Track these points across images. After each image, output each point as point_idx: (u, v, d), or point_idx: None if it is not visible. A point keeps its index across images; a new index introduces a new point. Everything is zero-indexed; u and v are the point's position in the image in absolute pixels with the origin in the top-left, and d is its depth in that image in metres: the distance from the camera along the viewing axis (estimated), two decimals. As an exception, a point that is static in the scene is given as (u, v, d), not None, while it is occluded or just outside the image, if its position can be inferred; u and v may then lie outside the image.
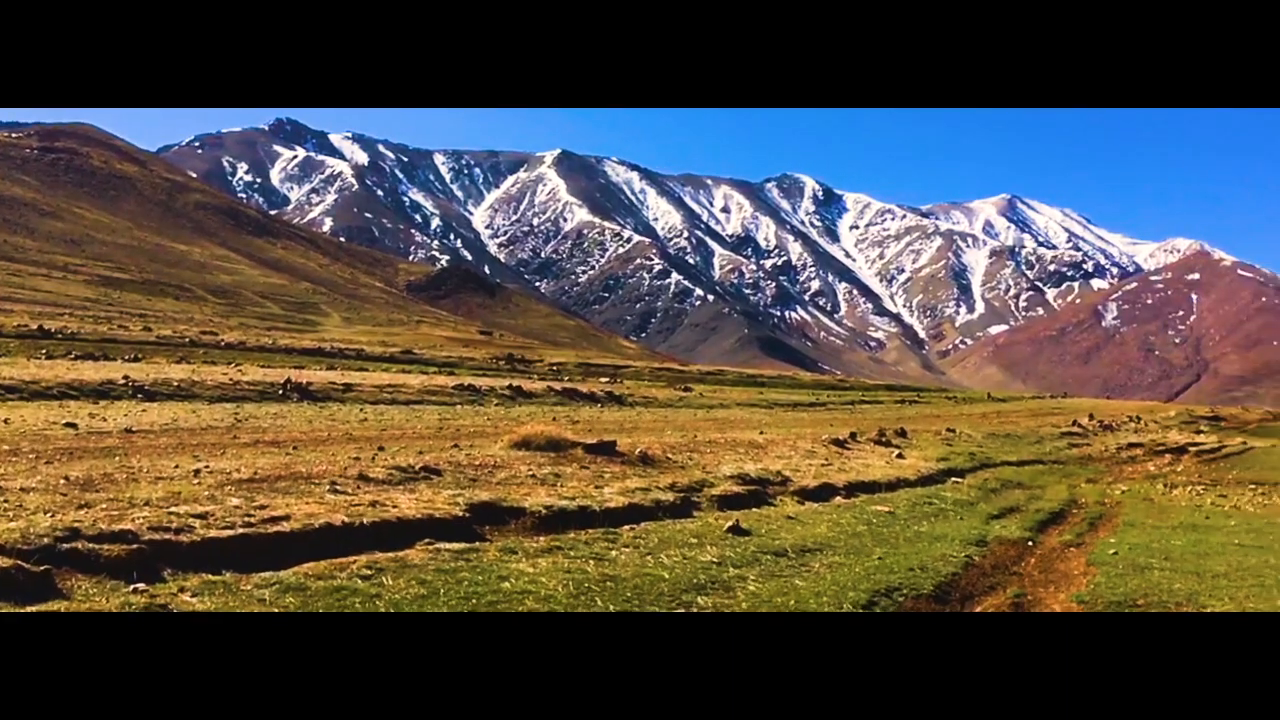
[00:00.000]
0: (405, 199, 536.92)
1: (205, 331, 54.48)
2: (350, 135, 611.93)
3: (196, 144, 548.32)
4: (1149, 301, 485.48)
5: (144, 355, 36.06)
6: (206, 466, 10.75)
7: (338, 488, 9.95)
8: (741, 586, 8.00)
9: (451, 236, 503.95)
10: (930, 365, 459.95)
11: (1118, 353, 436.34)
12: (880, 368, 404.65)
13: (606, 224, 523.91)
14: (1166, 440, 32.68)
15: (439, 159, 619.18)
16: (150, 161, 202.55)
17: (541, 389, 34.58)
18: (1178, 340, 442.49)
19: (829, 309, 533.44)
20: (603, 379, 50.78)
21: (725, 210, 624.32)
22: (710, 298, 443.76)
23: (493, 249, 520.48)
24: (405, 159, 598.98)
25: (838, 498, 13.73)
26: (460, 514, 9.30)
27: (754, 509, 12.08)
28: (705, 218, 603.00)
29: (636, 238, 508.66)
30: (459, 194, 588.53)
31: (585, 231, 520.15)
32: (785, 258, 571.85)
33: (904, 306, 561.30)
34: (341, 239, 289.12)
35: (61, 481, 9.13)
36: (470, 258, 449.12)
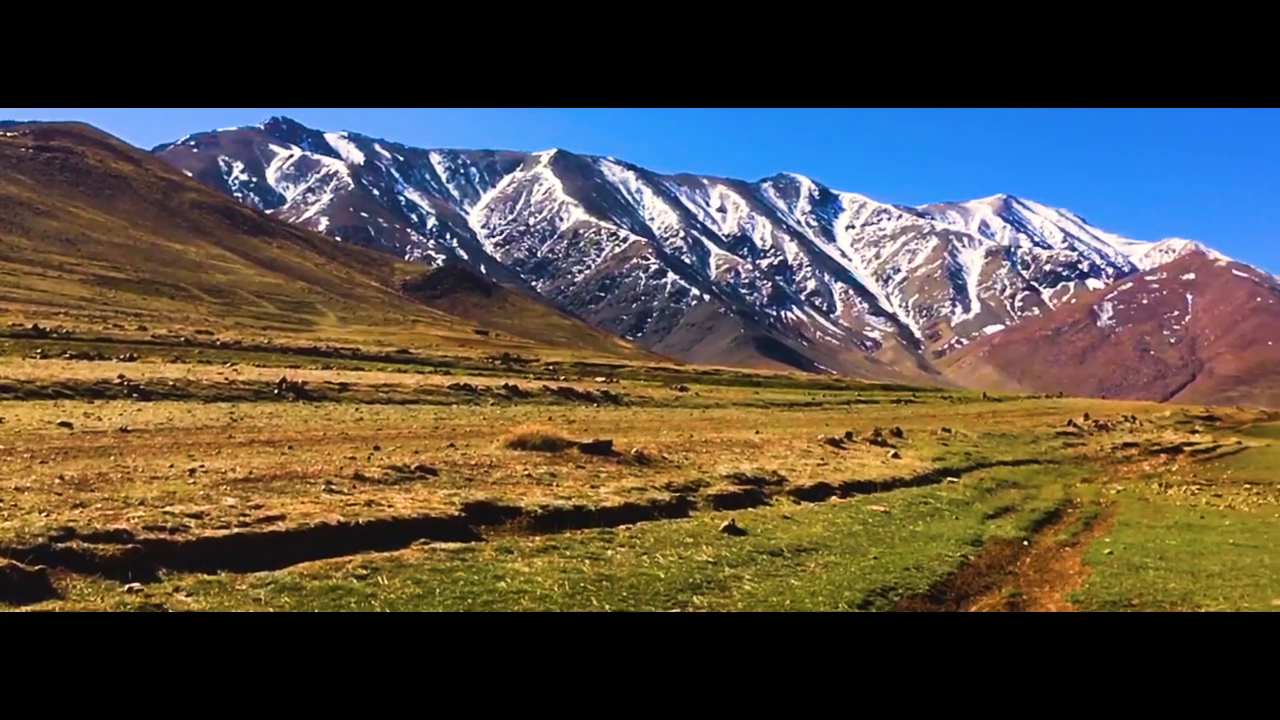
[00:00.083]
0: (401, 198, 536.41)
1: (201, 331, 54.41)
2: (346, 134, 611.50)
3: (192, 143, 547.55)
4: (1144, 301, 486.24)
5: (139, 355, 35.99)
6: (202, 466, 10.73)
7: (333, 487, 9.94)
8: (737, 586, 8.01)
9: (447, 236, 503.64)
10: (926, 365, 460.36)
11: (1113, 353, 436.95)
12: (876, 367, 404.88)
13: (603, 224, 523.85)
14: (1162, 440, 32.74)
15: (435, 158, 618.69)
16: (146, 160, 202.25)
17: (537, 389, 34.57)
18: (1173, 340, 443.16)
19: (825, 309, 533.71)
20: (599, 378, 50.77)
21: (721, 210, 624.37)
22: (706, 297, 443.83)
23: (489, 248, 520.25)
24: (401, 158, 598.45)
25: (833, 497, 13.75)
26: (456, 514, 9.30)
27: (750, 509, 12.08)
28: (701, 217, 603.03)
29: (633, 237, 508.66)
30: (455, 193, 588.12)
31: (581, 231, 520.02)
32: (781, 257, 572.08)
33: (900, 306, 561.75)
34: (337, 238, 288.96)
35: (56, 481, 9.12)
36: (466, 257, 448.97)
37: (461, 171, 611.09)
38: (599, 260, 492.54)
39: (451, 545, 8.28)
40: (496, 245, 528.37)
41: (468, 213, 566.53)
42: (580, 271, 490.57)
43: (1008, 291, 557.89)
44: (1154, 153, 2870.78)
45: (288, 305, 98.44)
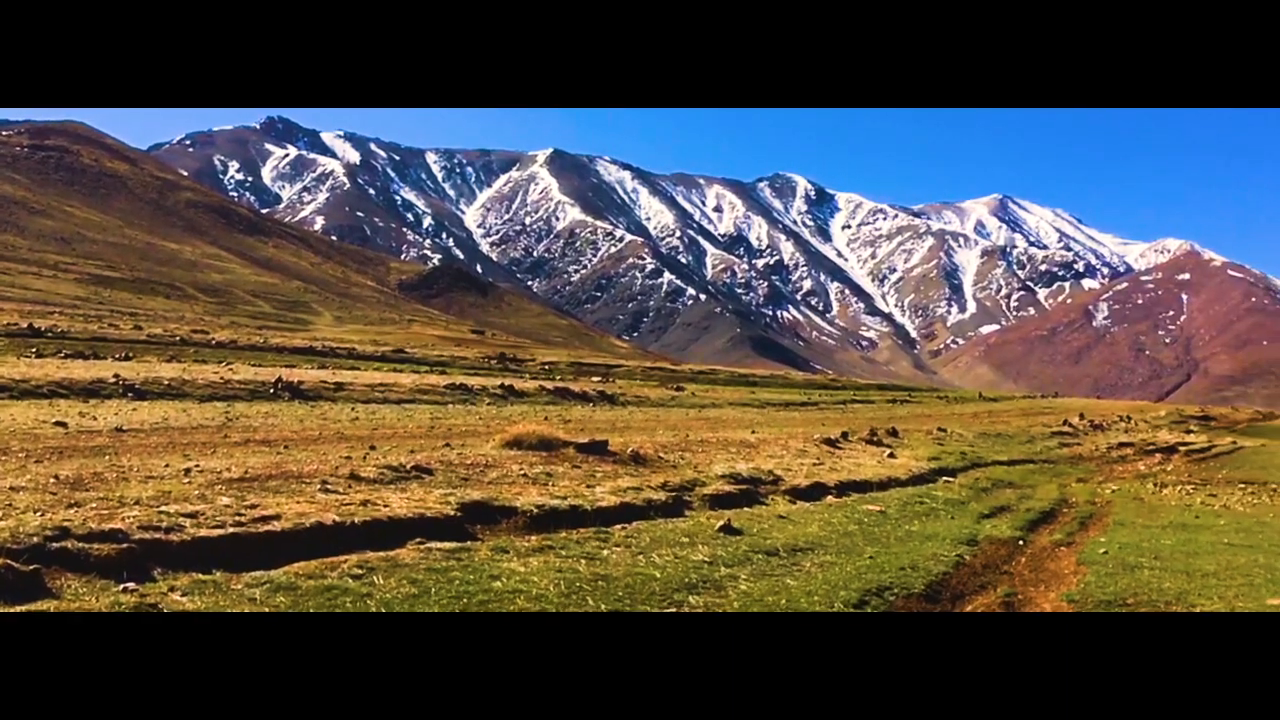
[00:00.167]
0: (397, 198, 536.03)
1: (196, 330, 54.34)
2: (342, 134, 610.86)
3: (188, 142, 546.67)
4: (1139, 301, 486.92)
5: (134, 354, 35.94)
6: (197, 465, 10.72)
7: (329, 487, 9.93)
8: (733, 585, 8.01)
9: (443, 235, 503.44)
10: (922, 365, 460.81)
11: (1108, 352, 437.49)
12: (872, 367, 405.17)
13: (599, 223, 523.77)
14: (1157, 440, 32.78)
15: (431, 158, 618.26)
16: (141, 160, 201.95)
17: (533, 388, 34.55)
18: (1168, 340, 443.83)
19: (821, 308, 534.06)
20: (595, 378, 50.76)
21: (718, 210, 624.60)
22: (702, 297, 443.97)
23: (485, 248, 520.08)
24: (397, 158, 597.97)
25: (829, 497, 13.75)
26: (452, 513, 9.29)
27: (746, 508, 12.09)
28: (697, 217, 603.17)
29: (629, 237, 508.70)
30: (451, 193, 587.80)
31: (577, 231, 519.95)
32: (777, 257, 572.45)
33: (896, 306, 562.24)
34: (333, 238, 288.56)
35: (51, 480, 9.10)
36: (462, 257, 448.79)
37: (458, 171, 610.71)
38: (595, 260, 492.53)
39: (447, 545, 8.28)
40: (492, 245, 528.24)
41: (464, 212, 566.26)
42: (576, 271, 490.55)
43: (1003, 291, 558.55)
44: (1150, 153, 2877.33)
45: (283, 305, 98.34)
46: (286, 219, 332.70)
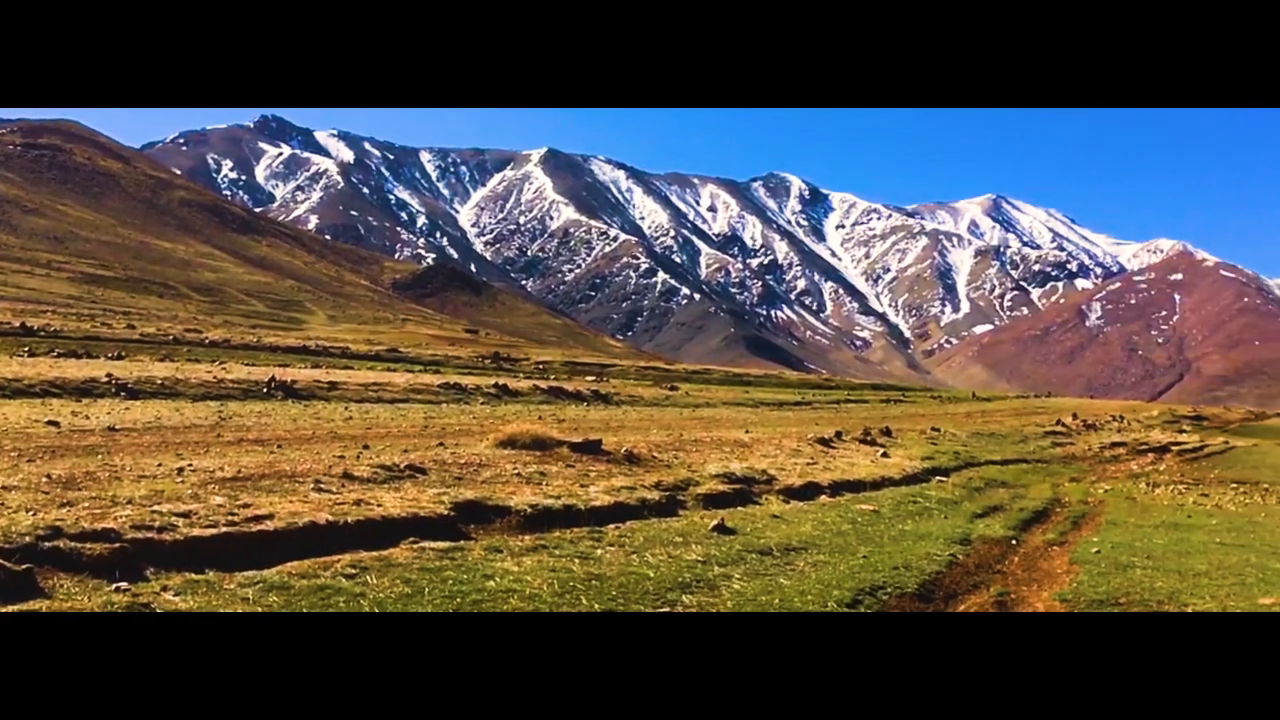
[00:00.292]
0: (391, 197, 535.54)
1: (189, 329, 54.24)
2: (336, 133, 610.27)
3: (181, 141, 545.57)
4: (1132, 301, 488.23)
5: (127, 353, 35.86)
6: (190, 465, 10.70)
7: (322, 486, 9.92)
8: (726, 585, 8.01)
9: (438, 235, 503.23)
10: (915, 364, 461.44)
11: (1101, 352, 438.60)
12: (866, 367, 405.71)
13: (593, 223, 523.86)
14: (1149, 439, 32.86)
15: (425, 157, 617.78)
16: (134, 158, 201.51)
17: (527, 388, 34.54)
18: (1161, 340, 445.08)
19: (815, 308, 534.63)
20: (589, 377, 50.77)
21: (712, 209, 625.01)
22: (696, 297, 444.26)
23: (479, 247, 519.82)
24: (391, 157, 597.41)
25: (823, 496, 13.76)
26: (445, 513, 9.28)
27: (739, 508, 12.10)
28: (692, 217, 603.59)
29: (623, 236, 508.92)
30: (445, 192, 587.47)
31: (572, 230, 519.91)
32: (771, 257, 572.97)
33: (889, 306, 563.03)
34: (327, 237, 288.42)
35: (44, 480, 9.08)
36: (456, 256, 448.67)
37: (452, 170, 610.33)
38: (589, 259, 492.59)
39: (440, 544, 8.27)
40: (487, 244, 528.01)
41: (458, 211, 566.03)
42: (570, 270, 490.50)
43: (997, 291, 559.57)
44: (1143, 153, 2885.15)
45: (277, 304, 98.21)
46: (280, 218, 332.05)
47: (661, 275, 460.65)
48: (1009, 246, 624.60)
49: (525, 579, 7.43)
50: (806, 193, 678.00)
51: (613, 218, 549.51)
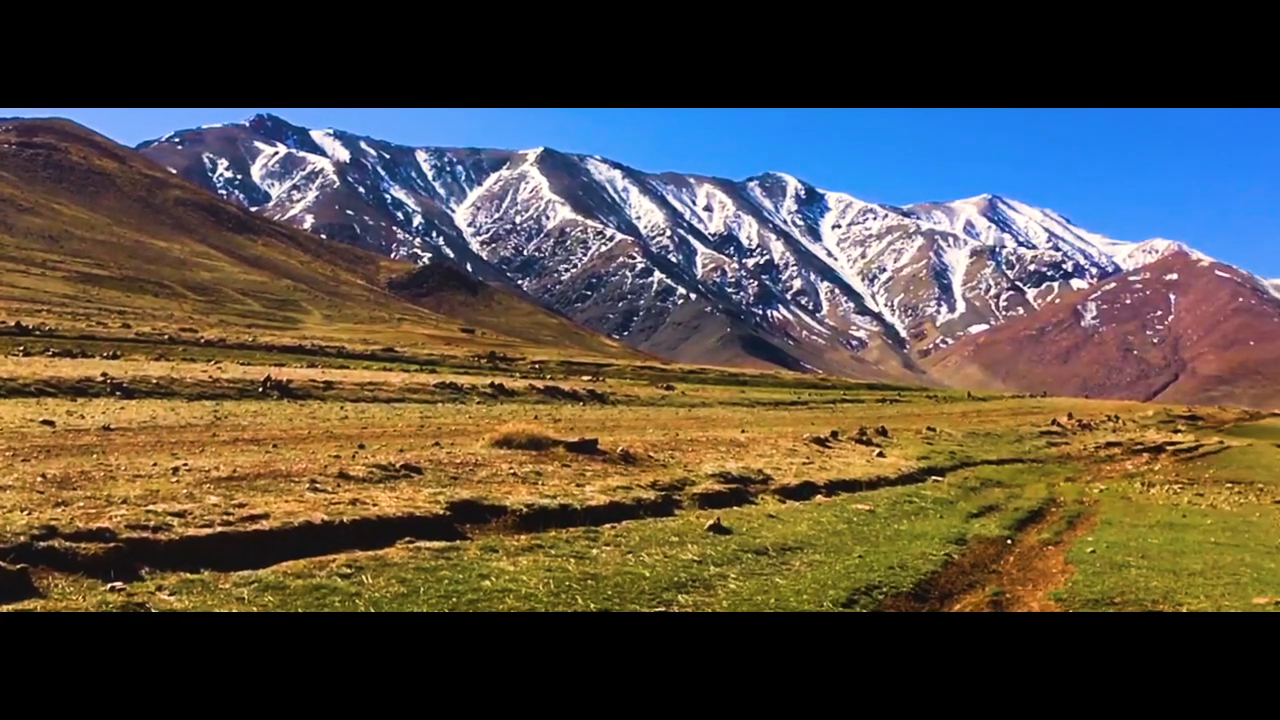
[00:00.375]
0: (387, 196, 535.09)
1: (185, 329, 54.17)
2: (332, 132, 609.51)
3: (176, 140, 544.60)
4: (1127, 301, 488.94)
5: (123, 352, 35.81)
6: (185, 464, 10.68)
7: (318, 486, 9.91)
8: (722, 585, 8.02)
9: (434, 234, 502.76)
10: (911, 364, 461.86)
11: (1096, 352, 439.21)
12: (862, 367, 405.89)
13: (589, 222, 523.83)
14: (1144, 439, 32.91)
15: (421, 156, 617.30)
16: (129, 157, 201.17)
17: (523, 387, 34.53)
18: (1156, 340, 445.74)
19: (811, 308, 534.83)
20: (585, 377, 50.77)
21: (708, 209, 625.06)
22: (693, 296, 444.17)
23: (475, 247, 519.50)
24: (387, 156, 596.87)
25: (819, 496, 13.77)
26: (441, 512, 9.28)
27: (735, 507, 12.10)
28: (688, 216, 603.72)
29: (619, 236, 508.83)
30: (441, 191, 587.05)
31: (568, 230, 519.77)
32: (767, 256, 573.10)
33: (885, 306, 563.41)
34: (323, 236, 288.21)
35: (38, 479, 9.06)
36: (452, 255, 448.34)
37: (448, 169, 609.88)
38: (585, 259, 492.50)
39: (436, 544, 8.27)
40: (483, 244, 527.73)
41: (454, 211, 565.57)
42: (567, 270, 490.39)
43: (992, 291, 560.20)
44: (1138, 153, 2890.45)
45: (272, 303, 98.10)
46: (276, 217, 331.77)
47: (657, 275, 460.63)
48: (1004, 246, 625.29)
49: (521, 578, 7.43)
50: (802, 192, 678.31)
51: (609, 217, 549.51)
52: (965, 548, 10.84)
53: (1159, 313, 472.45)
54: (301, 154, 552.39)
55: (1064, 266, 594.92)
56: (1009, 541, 11.71)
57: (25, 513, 7.34)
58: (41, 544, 6.58)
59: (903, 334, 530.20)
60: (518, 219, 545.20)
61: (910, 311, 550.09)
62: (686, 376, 64.37)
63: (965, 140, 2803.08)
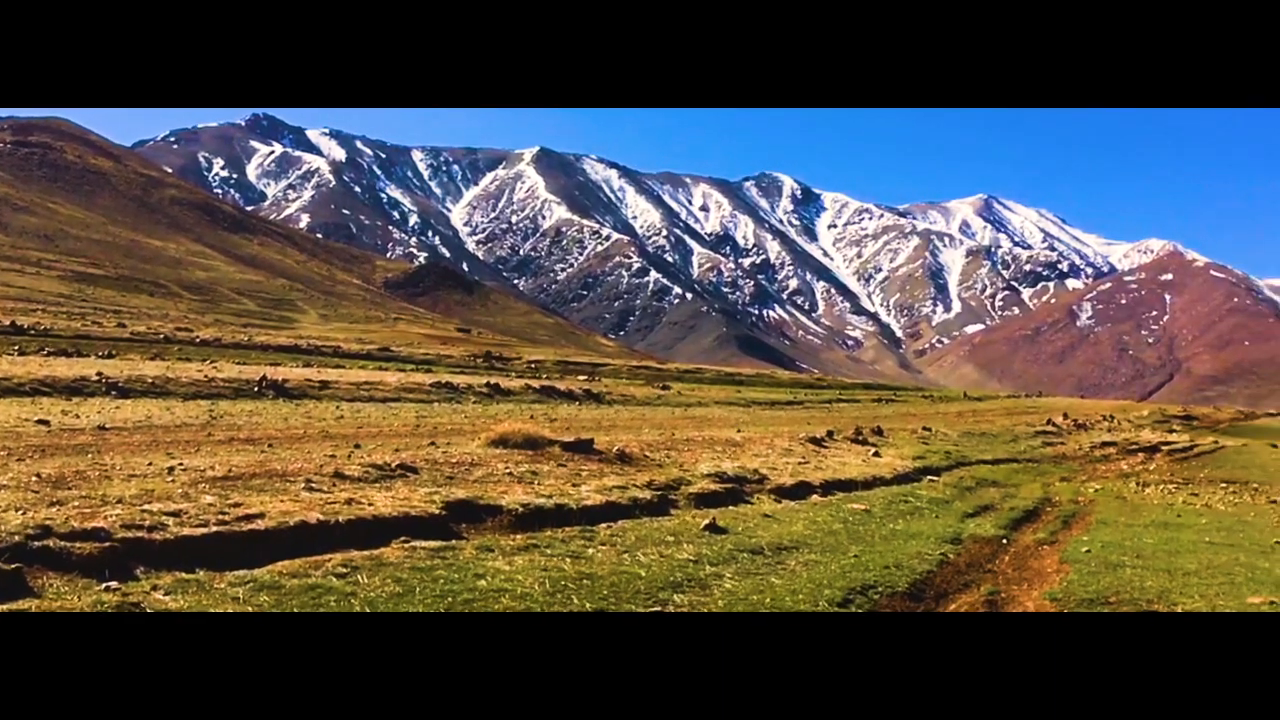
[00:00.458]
0: (383, 196, 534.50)
1: (180, 328, 54.10)
2: (327, 131, 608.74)
3: (172, 139, 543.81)
4: (1123, 301, 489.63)
5: (118, 352, 35.75)
6: (180, 464, 10.67)
7: (313, 485, 9.90)
8: (718, 584, 8.02)
9: (430, 234, 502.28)
10: (907, 364, 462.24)
11: (1092, 352, 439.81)
12: (858, 366, 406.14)
13: (585, 222, 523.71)
14: (1139, 439, 32.96)
15: (417, 156, 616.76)
16: (125, 157, 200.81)
17: (519, 387, 34.51)
18: (1151, 340, 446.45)
19: (807, 308, 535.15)
20: (581, 377, 50.75)
21: (704, 209, 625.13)
22: (689, 296, 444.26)
23: (471, 246, 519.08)
24: (383, 155, 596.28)
25: (814, 496, 13.78)
26: (437, 512, 9.27)
27: (731, 507, 12.10)
28: (684, 216, 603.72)
29: (615, 236, 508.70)
30: (437, 191, 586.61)
31: (564, 229, 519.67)
32: (763, 256, 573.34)
33: (881, 305, 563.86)
34: (318, 235, 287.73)
35: (33, 479, 9.05)
36: (448, 255, 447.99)
37: (444, 169, 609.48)
38: (581, 258, 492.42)
39: (432, 543, 8.27)
40: (479, 243, 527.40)
41: (450, 210, 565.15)
42: (563, 270, 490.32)
43: (988, 291, 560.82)
44: (1134, 154, 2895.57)
45: (268, 302, 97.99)
46: (271, 216, 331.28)
47: (654, 274, 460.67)
48: (1000, 246, 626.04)
49: (517, 578, 7.43)
50: (798, 192, 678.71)
51: (605, 217, 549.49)
52: (960, 547, 10.86)
53: (1154, 313, 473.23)
54: (297, 153, 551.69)
55: (1059, 266, 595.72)
56: (1004, 541, 11.73)
57: (20, 512, 7.33)
58: (36, 543, 6.57)
59: (898, 334, 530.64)
60: (514, 218, 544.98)
61: (906, 311, 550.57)
62: (682, 376, 64.36)
63: (961, 140, 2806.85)
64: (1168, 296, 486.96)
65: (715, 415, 31.32)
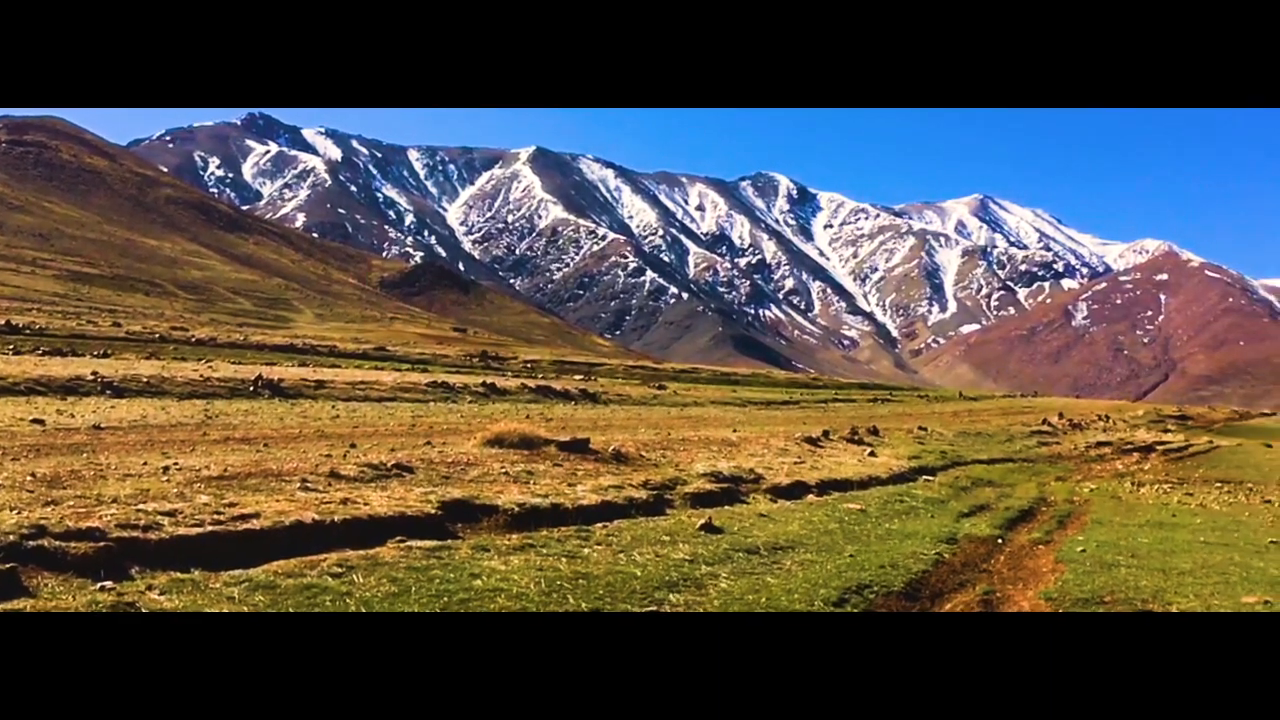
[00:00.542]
0: (379, 195, 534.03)
1: (176, 327, 54.02)
2: (323, 130, 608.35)
3: (167, 138, 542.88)
4: (1118, 301, 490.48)
5: (113, 351, 35.70)
6: (176, 464, 10.66)
7: (309, 485, 9.89)
8: (713, 584, 8.02)
9: (425, 233, 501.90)
10: (903, 364, 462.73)
11: (1087, 352, 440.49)
12: (853, 366, 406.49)
13: (581, 221, 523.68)
14: (1134, 439, 33.03)
15: (413, 155, 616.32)
16: (120, 156, 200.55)
17: (515, 386, 34.50)
18: (1146, 340, 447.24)
19: (803, 307, 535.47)
20: (577, 376, 50.75)
21: (700, 208, 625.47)
22: (685, 296, 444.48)
23: (467, 246, 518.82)
24: (379, 155, 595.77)
25: (810, 495, 13.79)
26: (432, 512, 9.27)
27: (727, 507, 12.11)
28: (680, 216, 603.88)
29: (611, 235, 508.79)
30: (433, 190, 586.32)
31: (560, 229, 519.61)
32: (760, 256, 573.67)
33: (877, 305, 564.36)
34: (314, 235, 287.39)
35: (28, 478, 9.03)
36: (444, 254, 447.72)
37: (440, 169, 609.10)
38: (577, 258, 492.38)
39: (427, 543, 8.26)
40: (475, 243, 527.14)
41: (446, 210, 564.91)
42: (559, 269, 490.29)
43: (984, 291, 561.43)
44: (1129, 154, 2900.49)
45: (264, 302, 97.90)
46: (267, 216, 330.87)
47: (650, 274, 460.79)
48: (996, 246, 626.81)
49: (512, 578, 7.43)
50: (794, 192, 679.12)
51: (601, 217, 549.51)
52: (956, 547, 10.87)
53: (1149, 313, 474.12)
54: (293, 152, 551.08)
55: (1055, 266, 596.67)
56: (1000, 541, 11.75)
57: (15, 512, 7.32)
58: (31, 543, 6.56)
59: (894, 334, 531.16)
60: (510, 218, 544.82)
61: (902, 311, 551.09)
62: (678, 376, 64.39)
63: (957, 140, 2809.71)
64: (1163, 297, 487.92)
65: (711, 415, 31.33)
